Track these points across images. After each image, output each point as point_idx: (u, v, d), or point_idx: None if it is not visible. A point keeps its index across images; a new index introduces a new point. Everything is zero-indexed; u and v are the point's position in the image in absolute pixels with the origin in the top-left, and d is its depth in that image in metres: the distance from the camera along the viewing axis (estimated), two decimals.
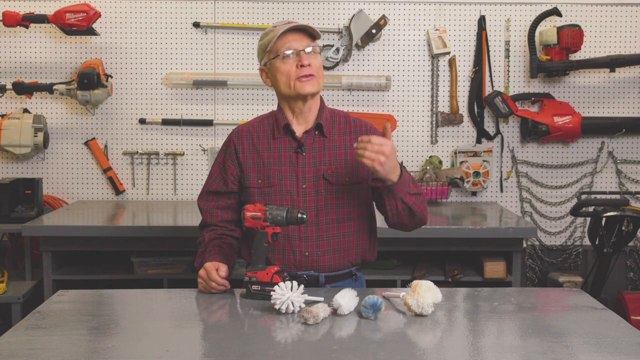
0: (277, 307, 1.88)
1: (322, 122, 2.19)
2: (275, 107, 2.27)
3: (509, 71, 3.87)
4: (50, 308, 1.98)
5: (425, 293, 1.88)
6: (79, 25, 3.53)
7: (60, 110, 3.84)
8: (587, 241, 3.81)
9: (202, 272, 2.12)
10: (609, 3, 3.86)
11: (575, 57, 3.81)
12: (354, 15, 3.76)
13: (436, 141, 3.91)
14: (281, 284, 1.90)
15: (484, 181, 3.83)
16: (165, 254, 3.30)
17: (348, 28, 3.78)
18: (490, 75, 3.87)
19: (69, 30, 3.57)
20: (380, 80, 3.82)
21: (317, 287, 2.18)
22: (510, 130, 3.91)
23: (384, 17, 3.75)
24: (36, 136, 3.65)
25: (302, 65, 2.11)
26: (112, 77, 3.76)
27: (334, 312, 1.87)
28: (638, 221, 3.39)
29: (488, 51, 3.86)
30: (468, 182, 3.82)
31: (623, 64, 3.75)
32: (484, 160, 3.84)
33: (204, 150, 3.87)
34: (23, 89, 3.64)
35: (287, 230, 2.15)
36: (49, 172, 3.86)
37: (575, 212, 3.45)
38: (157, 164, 3.88)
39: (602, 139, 3.91)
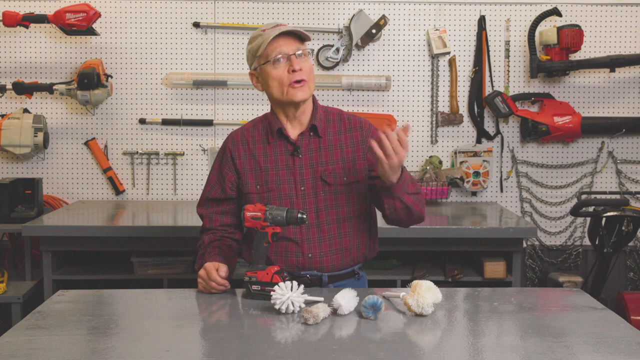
0: (277, 307, 1.88)
1: (317, 123, 2.19)
2: None
3: (509, 71, 3.87)
4: (50, 308, 1.98)
5: (425, 293, 1.88)
6: (79, 25, 3.53)
7: (60, 110, 3.84)
8: (587, 241, 3.80)
9: (202, 272, 2.12)
10: (609, 3, 3.86)
11: (575, 57, 3.81)
12: (354, 15, 3.76)
13: (436, 141, 3.91)
14: (281, 284, 1.90)
15: (484, 181, 3.83)
16: (165, 254, 3.30)
17: (348, 28, 3.78)
18: (490, 75, 3.87)
19: (69, 30, 3.57)
20: (380, 80, 3.82)
21: (321, 287, 2.19)
22: (510, 130, 3.91)
23: (384, 17, 3.75)
24: (36, 136, 3.65)
25: (293, 70, 2.10)
26: (112, 77, 3.76)
27: (334, 312, 1.87)
28: (638, 221, 3.39)
29: (488, 51, 3.86)
30: (468, 182, 3.82)
31: (623, 64, 3.75)
32: (484, 160, 3.84)
33: (204, 150, 3.87)
34: (23, 89, 3.64)
35: (289, 233, 2.15)
36: (49, 172, 3.86)
37: (575, 212, 3.45)
38: (157, 164, 3.88)
39: (602, 139, 3.91)
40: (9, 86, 3.65)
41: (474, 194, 3.93)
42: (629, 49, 3.88)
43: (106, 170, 3.84)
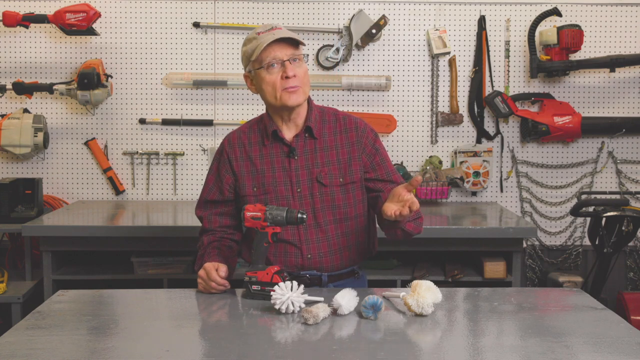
0: (277, 307, 1.88)
1: (312, 125, 2.19)
2: None
3: (509, 71, 3.87)
4: (50, 308, 1.98)
5: (425, 293, 1.88)
6: (79, 25, 3.53)
7: (60, 110, 3.84)
8: (587, 241, 3.80)
9: (201, 272, 2.12)
10: (609, 3, 3.86)
11: (575, 57, 3.81)
12: (354, 15, 3.76)
13: (436, 141, 3.91)
14: (281, 284, 1.90)
15: (484, 181, 3.83)
16: (165, 254, 3.30)
17: (348, 28, 3.78)
18: (490, 75, 3.87)
19: (69, 30, 3.57)
20: (380, 80, 3.82)
21: (320, 287, 2.19)
22: (510, 130, 3.91)
23: (384, 17, 3.75)
24: (36, 136, 3.65)
25: (287, 77, 2.10)
26: (112, 77, 3.76)
27: (334, 312, 1.87)
28: (638, 221, 3.39)
29: (488, 51, 3.86)
30: (468, 182, 3.82)
31: (623, 64, 3.75)
32: (484, 160, 3.83)
33: (204, 150, 3.87)
34: (23, 89, 3.64)
35: (287, 235, 2.16)
36: (49, 172, 3.86)
37: (575, 212, 3.45)
38: (157, 164, 3.88)
39: (602, 139, 3.91)
40: (9, 86, 3.65)
41: (474, 194, 3.92)
42: (629, 49, 3.88)
43: (106, 170, 3.84)
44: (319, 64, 3.82)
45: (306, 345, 1.70)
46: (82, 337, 1.75)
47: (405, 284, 2.91)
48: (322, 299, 1.91)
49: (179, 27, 3.83)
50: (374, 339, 1.74)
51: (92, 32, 3.65)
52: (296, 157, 2.19)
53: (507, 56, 3.87)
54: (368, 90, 3.86)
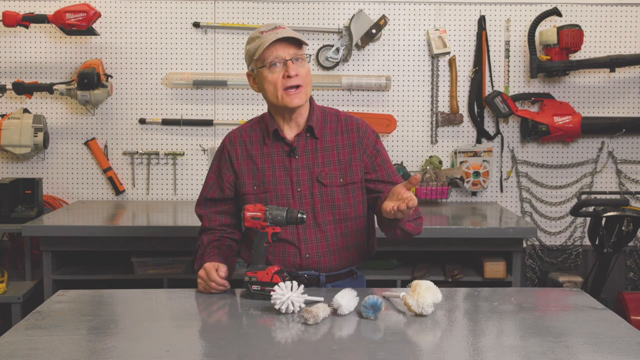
0: (277, 307, 1.88)
1: (313, 124, 2.19)
2: None
3: (509, 71, 3.87)
4: (50, 308, 1.98)
5: (425, 293, 1.88)
6: (79, 25, 3.53)
7: (60, 110, 3.84)
8: (587, 241, 3.80)
9: (201, 272, 2.12)
10: (609, 3, 3.86)
11: (575, 57, 3.81)
12: (354, 15, 3.76)
13: (436, 141, 3.91)
14: (281, 284, 1.90)
15: (484, 181, 3.83)
16: (165, 254, 3.30)
17: (348, 28, 3.78)
18: (490, 75, 3.87)
19: (69, 30, 3.57)
20: (380, 80, 3.82)
21: (318, 287, 2.19)
22: (510, 130, 3.91)
23: (384, 17, 3.75)
24: (36, 136, 3.65)
25: (289, 76, 2.11)
26: (112, 77, 3.76)
27: (334, 312, 1.87)
28: (638, 221, 3.39)
29: (488, 51, 3.86)
30: (468, 182, 3.82)
31: (623, 64, 3.75)
32: (484, 160, 3.83)
33: (204, 150, 3.87)
34: (23, 89, 3.64)
35: (286, 234, 2.16)
36: (49, 172, 3.86)
37: (575, 212, 3.45)
38: (157, 164, 3.88)
39: (602, 139, 3.91)
40: (9, 86, 3.65)
41: (474, 194, 3.92)
42: (629, 49, 3.88)
43: (106, 170, 3.84)
44: (319, 64, 3.82)
45: (306, 345, 1.70)
46: (82, 337, 1.75)
47: (405, 284, 2.91)
48: (322, 299, 1.91)
49: (179, 27, 3.83)
50: (374, 339, 1.74)
51: (92, 32, 3.65)
52: (297, 157, 2.19)
53: (507, 56, 3.87)
54: (368, 90, 3.86)
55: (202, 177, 3.78)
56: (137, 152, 3.86)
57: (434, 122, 3.90)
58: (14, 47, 3.81)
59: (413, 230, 2.17)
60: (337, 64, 3.83)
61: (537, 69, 3.73)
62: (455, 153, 3.87)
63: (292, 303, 1.88)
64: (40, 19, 3.57)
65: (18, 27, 3.60)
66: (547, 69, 3.73)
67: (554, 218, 3.94)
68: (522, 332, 1.78)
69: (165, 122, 3.84)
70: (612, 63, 3.73)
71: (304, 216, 2.03)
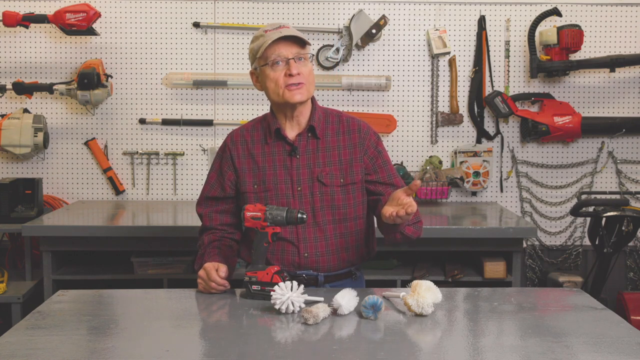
0: (277, 307, 1.88)
1: (315, 124, 2.20)
2: None
3: (509, 71, 3.87)
4: (50, 308, 1.98)
5: (425, 293, 1.88)
6: (79, 25, 3.53)
7: (60, 110, 3.84)
8: (587, 241, 3.80)
9: (201, 272, 2.12)
10: (609, 3, 3.86)
11: (575, 57, 3.81)
12: (354, 15, 3.76)
13: (436, 141, 3.91)
14: (281, 284, 1.90)
15: (484, 181, 3.83)
16: (165, 254, 3.30)
17: (348, 28, 3.78)
18: (490, 75, 3.87)
19: (69, 30, 3.57)
20: (380, 80, 3.82)
21: (317, 287, 2.19)
22: (510, 130, 3.91)
23: (384, 17, 3.75)
24: (36, 136, 3.65)
25: (290, 74, 2.11)
26: (112, 77, 3.76)
27: (334, 312, 1.87)
28: (638, 221, 3.39)
29: (488, 51, 3.86)
30: (468, 182, 3.82)
31: (623, 64, 3.75)
32: (484, 160, 3.83)
33: (204, 150, 3.87)
34: (23, 89, 3.64)
35: (285, 233, 2.16)
36: (49, 172, 3.86)
37: (575, 212, 3.45)
38: (157, 164, 3.88)
39: (602, 139, 3.91)
40: (9, 86, 3.65)
41: (474, 194, 3.92)
42: (629, 49, 3.88)
43: (106, 170, 3.84)
44: (319, 63, 3.82)
45: (306, 345, 1.70)
46: (82, 337, 1.75)
47: (405, 284, 2.91)
48: (322, 299, 1.91)
49: (179, 27, 3.83)
50: (374, 339, 1.74)
51: (92, 32, 3.65)
52: (298, 156, 2.19)
53: (507, 56, 3.87)
54: (368, 90, 3.86)
55: (202, 177, 3.79)
56: (137, 152, 3.86)
57: (434, 122, 3.90)
58: (14, 47, 3.81)
59: (413, 234, 2.17)
60: (337, 64, 3.83)
61: (537, 69, 3.73)
62: (455, 153, 3.87)
63: (292, 303, 1.88)
64: (40, 19, 3.57)
65: (18, 27, 3.60)
66: (547, 69, 3.73)
67: (554, 218, 3.94)
68: (522, 332, 1.78)
69: (165, 122, 3.84)
70: (612, 63, 3.73)
71: (304, 216, 2.03)
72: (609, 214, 3.38)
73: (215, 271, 2.09)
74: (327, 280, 2.21)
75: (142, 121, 3.84)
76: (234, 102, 3.86)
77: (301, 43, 2.14)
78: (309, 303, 1.89)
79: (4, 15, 3.56)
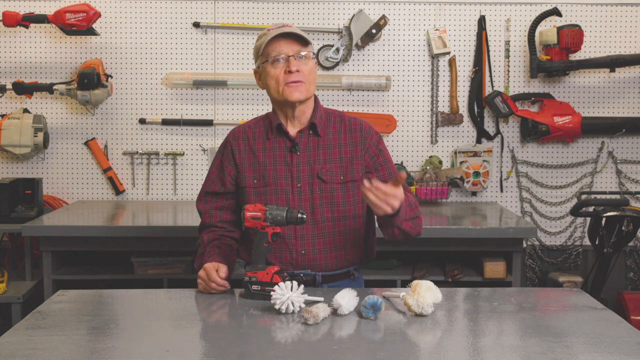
0: (277, 307, 1.88)
1: (316, 122, 2.20)
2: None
3: (509, 71, 3.87)
4: (50, 308, 1.98)
5: (425, 293, 1.88)
6: (79, 25, 3.53)
7: (60, 110, 3.84)
8: (587, 241, 3.80)
9: (201, 272, 2.12)
10: (609, 3, 3.86)
11: (575, 57, 3.81)
12: (354, 15, 3.76)
13: (436, 141, 3.91)
14: (281, 284, 1.90)
15: (484, 181, 3.83)
16: (165, 254, 3.30)
17: (348, 28, 3.78)
18: (490, 75, 3.87)
19: (69, 30, 3.57)
20: (380, 80, 3.82)
21: (315, 287, 2.18)
22: (510, 130, 3.91)
23: (384, 17, 3.75)
24: (36, 136, 3.65)
25: (290, 71, 2.11)
26: (112, 77, 3.76)
27: (334, 312, 1.87)
28: (638, 221, 3.39)
29: (488, 51, 3.86)
30: (468, 182, 3.82)
31: (623, 64, 3.75)
32: (484, 160, 3.84)
33: (204, 150, 3.87)
34: (23, 89, 3.64)
35: (283, 229, 2.15)
36: (49, 172, 3.86)
37: (575, 212, 3.45)
38: (157, 164, 3.88)
39: (602, 139, 3.91)
40: (9, 86, 3.65)
41: (474, 194, 3.93)
42: (629, 49, 3.88)
43: (106, 170, 3.84)
44: (319, 63, 3.82)
45: (306, 345, 1.70)
46: (82, 337, 1.75)
47: (405, 284, 2.91)
48: (322, 299, 1.91)
49: (179, 27, 3.83)
50: (374, 339, 1.74)
51: (92, 32, 3.65)
52: (298, 153, 2.19)
53: (507, 56, 3.87)
54: (368, 90, 3.86)
55: (202, 177, 3.77)
56: (137, 152, 3.86)
57: (434, 122, 3.90)
58: (14, 47, 3.81)
59: (411, 230, 2.16)
60: (337, 64, 3.83)
61: (537, 69, 3.73)
62: (455, 153, 3.87)
63: (292, 303, 1.88)
64: (40, 19, 3.57)
65: (18, 27, 3.60)
66: (547, 69, 3.73)
67: (554, 218, 3.95)
68: (522, 332, 1.78)
69: (165, 122, 3.85)
70: (612, 63, 3.73)
71: (304, 216, 2.03)
72: (609, 214, 3.38)
73: (215, 271, 2.09)
74: (325, 281, 2.21)
75: (142, 121, 3.84)
76: (234, 102, 3.86)
77: (303, 41, 2.14)
78: (309, 303, 1.89)
79: (4, 15, 3.56)
